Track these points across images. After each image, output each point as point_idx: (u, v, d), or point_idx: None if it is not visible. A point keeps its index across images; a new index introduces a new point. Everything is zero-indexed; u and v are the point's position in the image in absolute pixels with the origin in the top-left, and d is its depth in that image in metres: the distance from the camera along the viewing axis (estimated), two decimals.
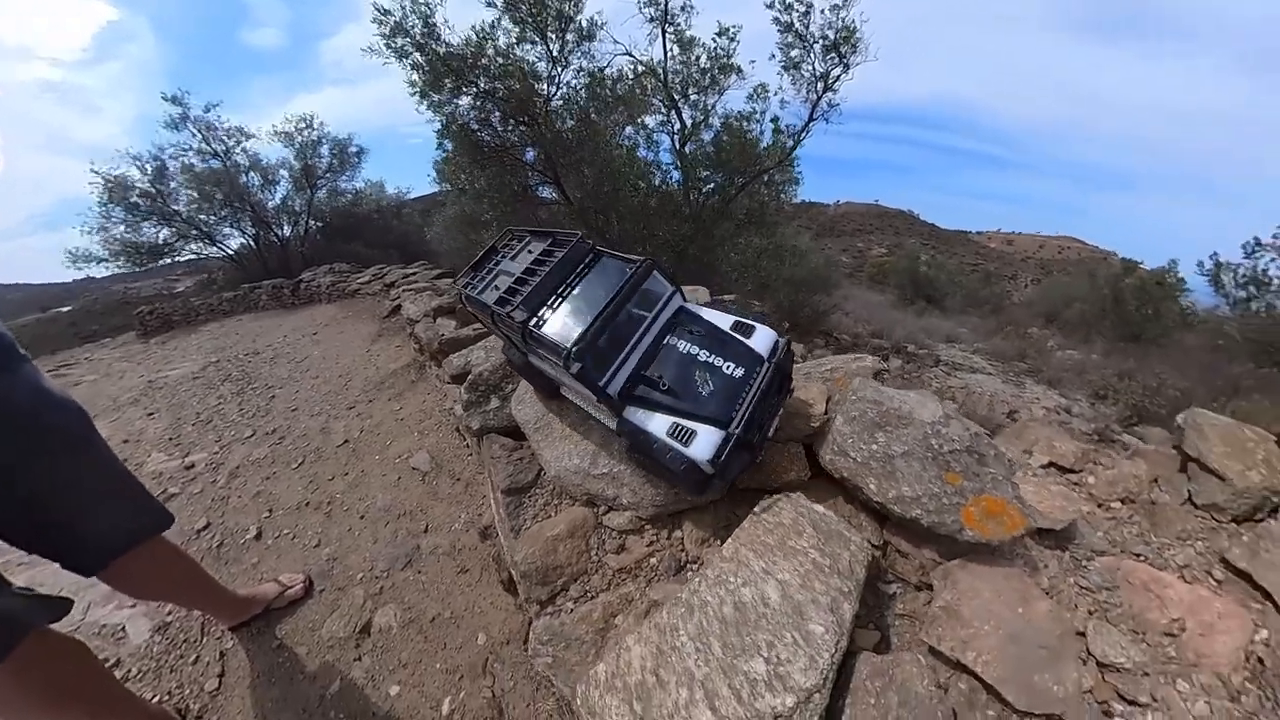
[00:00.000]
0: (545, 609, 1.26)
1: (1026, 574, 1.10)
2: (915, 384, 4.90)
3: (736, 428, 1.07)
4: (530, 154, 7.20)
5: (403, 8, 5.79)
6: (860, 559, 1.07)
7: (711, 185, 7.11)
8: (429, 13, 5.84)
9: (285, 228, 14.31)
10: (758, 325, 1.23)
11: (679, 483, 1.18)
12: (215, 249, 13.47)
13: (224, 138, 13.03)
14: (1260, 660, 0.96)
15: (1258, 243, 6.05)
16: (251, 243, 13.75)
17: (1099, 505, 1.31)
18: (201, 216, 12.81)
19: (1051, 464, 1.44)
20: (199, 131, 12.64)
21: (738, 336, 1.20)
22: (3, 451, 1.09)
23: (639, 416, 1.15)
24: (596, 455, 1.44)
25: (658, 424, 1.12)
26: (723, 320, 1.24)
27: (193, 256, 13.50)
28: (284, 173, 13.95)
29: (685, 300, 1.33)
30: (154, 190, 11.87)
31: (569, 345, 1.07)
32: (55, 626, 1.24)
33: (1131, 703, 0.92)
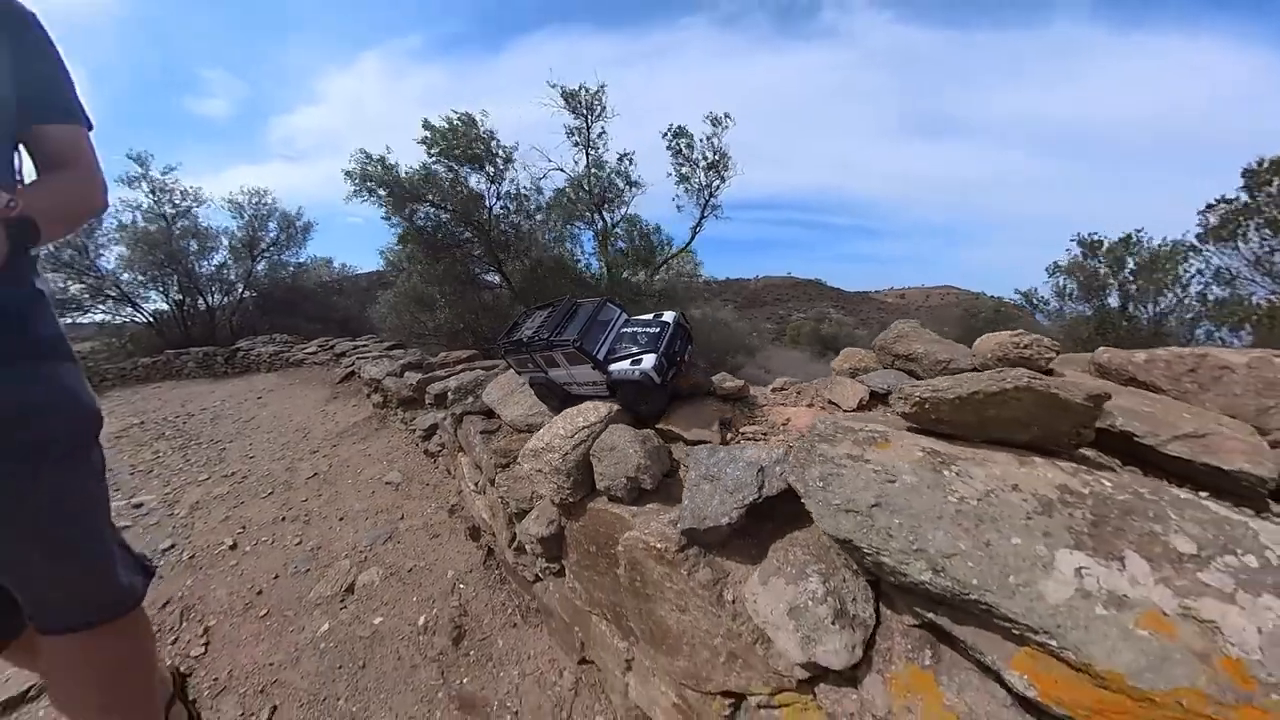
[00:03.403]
0: (505, 469, 2.28)
1: (714, 411, 2.05)
2: None
3: (662, 349, 2.03)
4: (478, 249, 9.01)
5: (365, 167, 8.70)
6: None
7: (627, 274, 9.27)
8: (391, 164, 8.77)
9: (215, 296, 13.79)
10: (665, 312, 2.27)
11: (645, 390, 2.01)
12: (132, 311, 12.53)
13: (176, 200, 12.89)
14: (820, 423, 1.86)
15: (1056, 266, 9.67)
16: (174, 308, 13.05)
17: (804, 408, 2.35)
18: (124, 275, 12.04)
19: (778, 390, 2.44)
20: (153, 191, 12.46)
21: (653, 318, 2.23)
22: None
23: (615, 367, 2.09)
24: (533, 406, 2.46)
25: (624, 365, 2.06)
26: (647, 316, 2.28)
27: (104, 317, 12.38)
28: (224, 240, 13.70)
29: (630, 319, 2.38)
30: (81, 243, 11.31)
31: (572, 337, 2.07)
32: None
33: (752, 439, 1.87)
